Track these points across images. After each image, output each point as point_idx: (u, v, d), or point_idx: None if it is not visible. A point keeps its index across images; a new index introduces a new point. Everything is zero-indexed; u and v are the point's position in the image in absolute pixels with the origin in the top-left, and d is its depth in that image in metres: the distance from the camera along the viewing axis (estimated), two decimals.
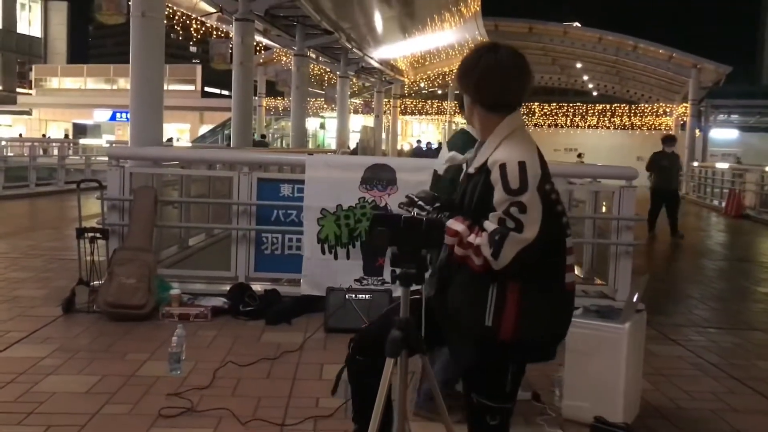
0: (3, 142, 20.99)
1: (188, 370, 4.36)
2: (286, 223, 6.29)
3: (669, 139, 12.88)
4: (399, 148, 36.58)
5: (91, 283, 5.83)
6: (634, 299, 3.83)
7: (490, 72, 2.11)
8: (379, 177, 6.03)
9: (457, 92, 2.17)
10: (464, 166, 2.24)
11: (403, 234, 1.69)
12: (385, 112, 35.89)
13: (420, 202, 2.01)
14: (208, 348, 4.91)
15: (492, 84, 2.11)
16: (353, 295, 5.53)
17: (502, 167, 2.02)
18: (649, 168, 12.65)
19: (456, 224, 2.03)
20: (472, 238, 2.00)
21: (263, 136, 29.20)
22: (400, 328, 1.77)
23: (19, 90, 43.56)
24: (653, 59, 31.25)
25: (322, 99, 34.94)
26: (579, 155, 29.25)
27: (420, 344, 1.78)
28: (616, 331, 3.62)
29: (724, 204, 18.82)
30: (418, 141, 34.37)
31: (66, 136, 38.87)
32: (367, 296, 5.53)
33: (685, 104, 31.73)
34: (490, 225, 2.02)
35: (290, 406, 3.89)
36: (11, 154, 20.28)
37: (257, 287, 6.06)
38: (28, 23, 45.08)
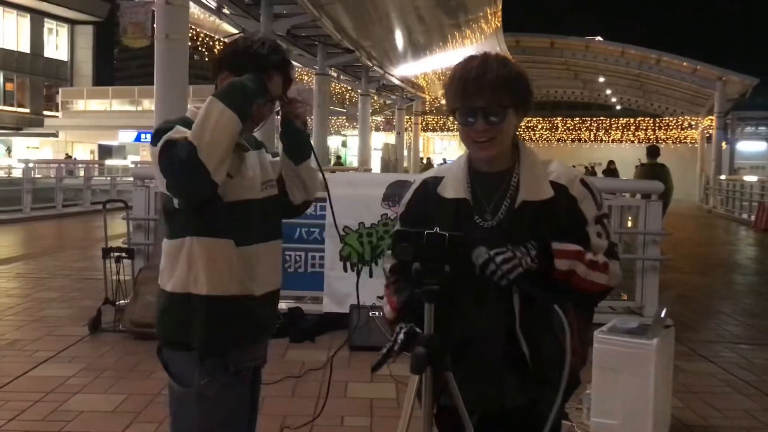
0: (30, 164, 21.36)
1: None
2: (309, 241, 6.30)
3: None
4: (425, 161, 36.49)
5: (117, 303, 5.88)
6: (662, 315, 3.77)
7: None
8: (401, 193, 6.01)
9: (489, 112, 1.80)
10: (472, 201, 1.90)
11: (426, 250, 1.68)
12: (406, 129, 35.98)
13: (510, 248, 1.74)
14: None
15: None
16: (377, 313, 5.50)
17: (583, 182, 1.88)
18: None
19: (569, 245, 1.79)
20: (592, 256, 1.81)
21: (338, 157, 28.98)
22: (425, 344, 1.75)
23: (46, 113, 44.38)
24: (677, 72, 31.02)
25: (344, 117, 35.12)
26: None
27: (444, 361, 1.75)
28: (644, 348, 3.56)
29: (753, 218, 18.53)
30: (444, 159, 35.14)
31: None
32: None
33: (710, 117, 31.43)
34: (599, 241, 1.85)
35: (315, 424, 3.87)
36: (39, 176, 20.63)
37: (281, 305, 6.02)
38: (56, 47, 45.98)
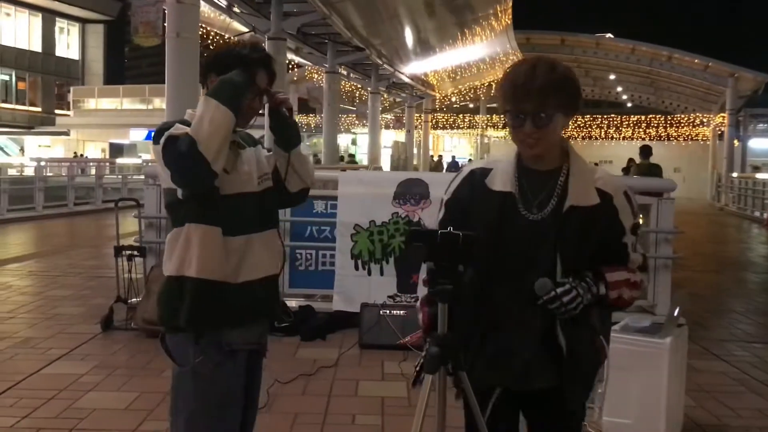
0: (42, 163, 21.46)
1: None
2: (320, 240, 6.31)
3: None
4: (436, 159, 36.43)
5: (129, 301, 5.90)
6: (675, 313, 3.75)
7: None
8: (412, 191, 6.03)
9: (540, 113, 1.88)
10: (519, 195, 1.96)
11: (440, 249, 1.68)
12: (416, 126, 35.91)
13: (574, 286, 1.86)
14: None
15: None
16: (388, 311, 5.51)
17: (626, 194, 1.99)
18: None
19: (618, 273, 1.94)
20: (633, 277, 1.96)
21: (351, 155, 29.61)
22: (438, 344, 1.75)
23: (57, 111, 44.59)
24: (688, 69, 30.77)
25: (354, 115, 35.09)
26: None
27: (458, 360, 1.76)
28: (657, 346, 3.54)
29: (765, 215, 18.41)
30: (453, 157, 35.33)
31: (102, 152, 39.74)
32: (401, 312, 5.50)
33: (722, 114, 31.17)
34: (636, 256, 1.99)
35: (326, 422, 3.88)
36: (50, 174, 20.72)
37: (292, 303, 6.08)
38: (67, 46, 46.15)
